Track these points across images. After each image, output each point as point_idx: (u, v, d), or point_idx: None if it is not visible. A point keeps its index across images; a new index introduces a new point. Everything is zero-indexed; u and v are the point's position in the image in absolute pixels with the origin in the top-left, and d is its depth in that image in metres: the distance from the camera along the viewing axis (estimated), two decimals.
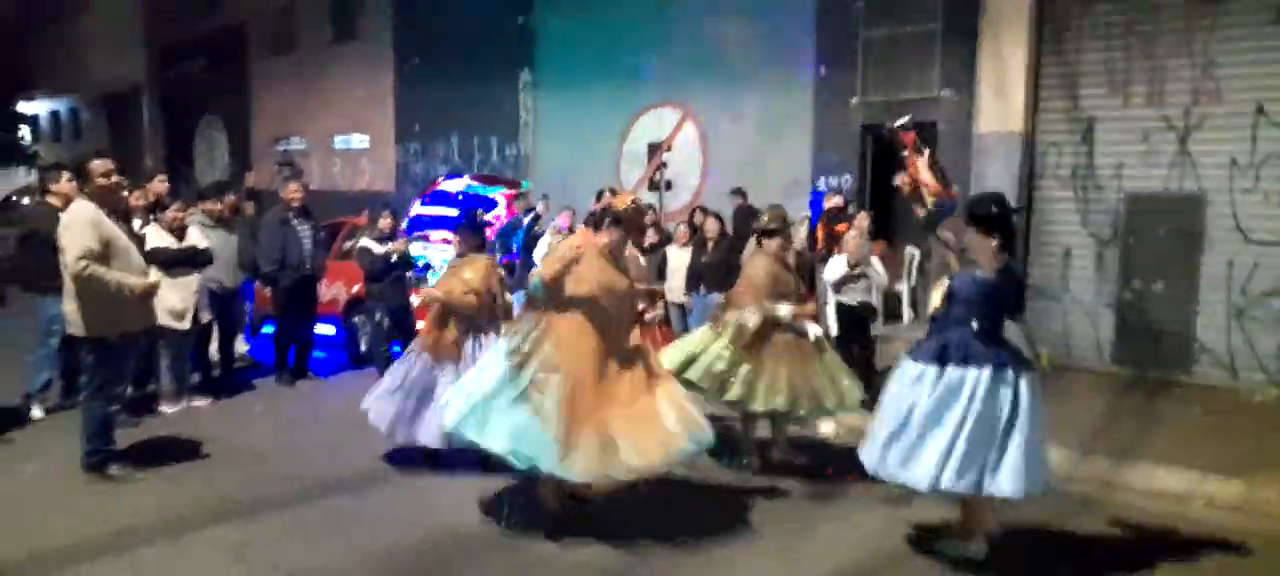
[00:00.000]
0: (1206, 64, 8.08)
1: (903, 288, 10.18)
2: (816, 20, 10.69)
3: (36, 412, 6.76)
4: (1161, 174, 8.38)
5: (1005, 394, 4.17)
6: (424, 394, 5.64)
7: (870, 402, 5.33)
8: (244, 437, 6.49)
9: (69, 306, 5.22)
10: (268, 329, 9.07)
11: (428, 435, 5.60)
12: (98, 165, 5.32)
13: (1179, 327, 8.31)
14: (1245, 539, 4.79)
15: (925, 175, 4.61)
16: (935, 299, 4.39)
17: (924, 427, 4.22)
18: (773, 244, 5.81)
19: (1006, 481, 4.12)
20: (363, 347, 9.12)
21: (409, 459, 5.84)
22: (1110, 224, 8.73)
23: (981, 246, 4.33)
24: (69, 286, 5.18)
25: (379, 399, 5.76)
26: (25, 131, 31.09)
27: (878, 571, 4.48)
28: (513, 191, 10.76)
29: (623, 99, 12.73)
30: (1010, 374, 4.21)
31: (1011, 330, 4.47)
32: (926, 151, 4.70)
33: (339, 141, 17.55)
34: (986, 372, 4.18)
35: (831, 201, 9.57)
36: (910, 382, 4.33)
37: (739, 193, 10.46)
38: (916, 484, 4.26)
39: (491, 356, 4.81)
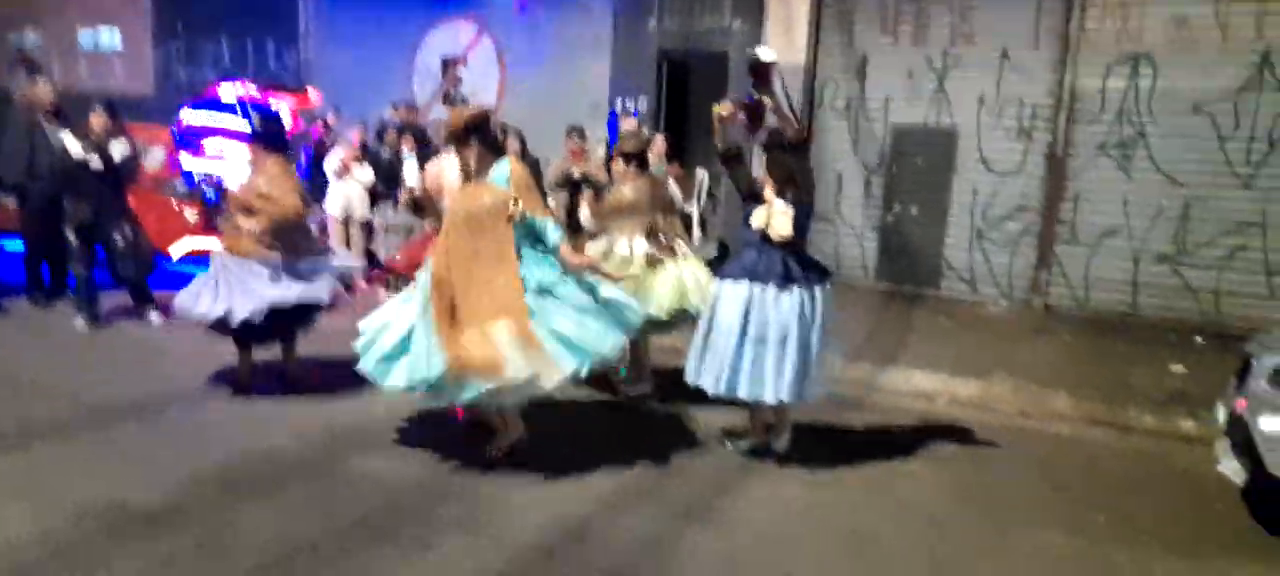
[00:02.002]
0: (964, 9, 8.94)
1: (693, 209, 10.64)
2: None
3: None
4: (922, 109, 9.26)
5: (800, 305, 4.58)
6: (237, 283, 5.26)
7: None
8: (2, 364, 5.90)
9: None
10: (13, 245, 8.17)
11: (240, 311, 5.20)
12: None
13: (931, 248, 9.32)
14: (981, 428, 5.58)
15: (784, 107, 4.84)
16: (767, 221, 4.62)
17: (728, 339, 4.59)
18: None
19: (798, 388, 4.57)
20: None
21: (196, 378, 5.55)
22: (877, 153, 9.56)
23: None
24: None
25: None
26: None
27: (682, 469, 4.79)
28: (298, 102, 10.17)
29: (414, 10, 12.23)
30: (805, 287, 4.62)
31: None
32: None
33: (85, 38, 15.66)
34: (785, 288, 4.56)
35: (626, 124, 9.78)
36: (725, 300, 4.67)
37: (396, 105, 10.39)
38: (736, 393, 4.62)
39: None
